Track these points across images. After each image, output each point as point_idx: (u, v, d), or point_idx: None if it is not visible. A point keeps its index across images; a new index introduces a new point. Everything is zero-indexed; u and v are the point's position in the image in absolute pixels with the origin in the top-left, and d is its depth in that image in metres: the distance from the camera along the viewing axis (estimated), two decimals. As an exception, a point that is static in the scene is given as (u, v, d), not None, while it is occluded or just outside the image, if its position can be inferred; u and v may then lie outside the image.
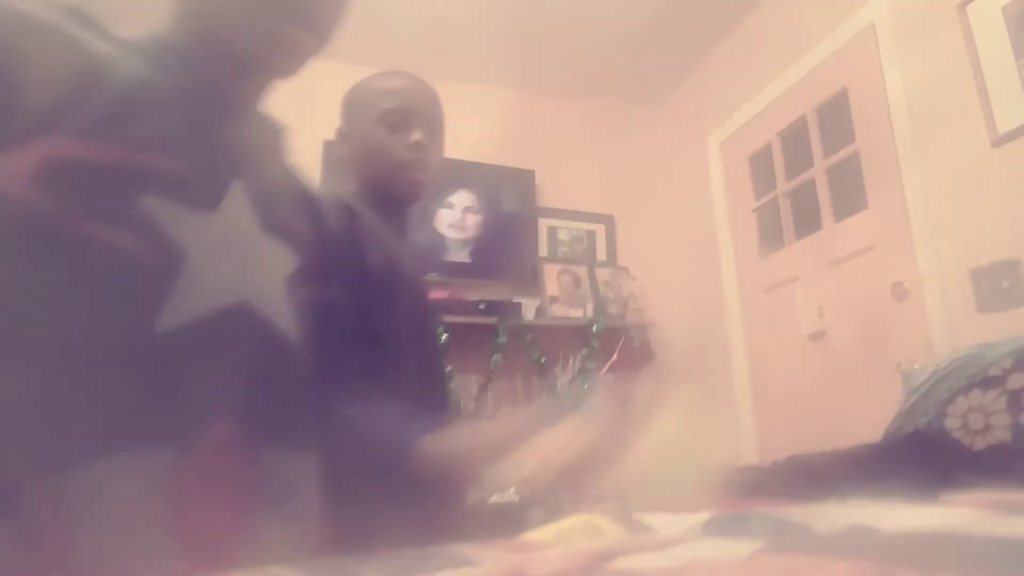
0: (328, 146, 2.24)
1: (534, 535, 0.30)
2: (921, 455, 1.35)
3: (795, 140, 2.61)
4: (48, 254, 0.49)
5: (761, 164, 2.78)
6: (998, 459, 1.26)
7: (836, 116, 2.42)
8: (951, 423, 1.35)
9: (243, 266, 0.59)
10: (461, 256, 2.87)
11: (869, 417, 1.66)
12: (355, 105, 1.14)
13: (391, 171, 1.07)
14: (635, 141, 3.40)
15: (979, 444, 1.30)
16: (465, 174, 2.83)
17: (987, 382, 1.32)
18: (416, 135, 1.07)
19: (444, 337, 2.55)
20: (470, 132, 2.75)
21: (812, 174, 2.49)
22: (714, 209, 2.99)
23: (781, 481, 1.59)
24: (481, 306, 2.60)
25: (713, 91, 3.06)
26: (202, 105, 0.62)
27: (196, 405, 0.53)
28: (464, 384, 2.66)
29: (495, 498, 2.38)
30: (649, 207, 3.33)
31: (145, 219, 0.52)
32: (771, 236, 2.74)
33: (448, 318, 2.53)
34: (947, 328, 1.89)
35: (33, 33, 0.51)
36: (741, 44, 2.91)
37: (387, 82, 1.12)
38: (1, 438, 0.46)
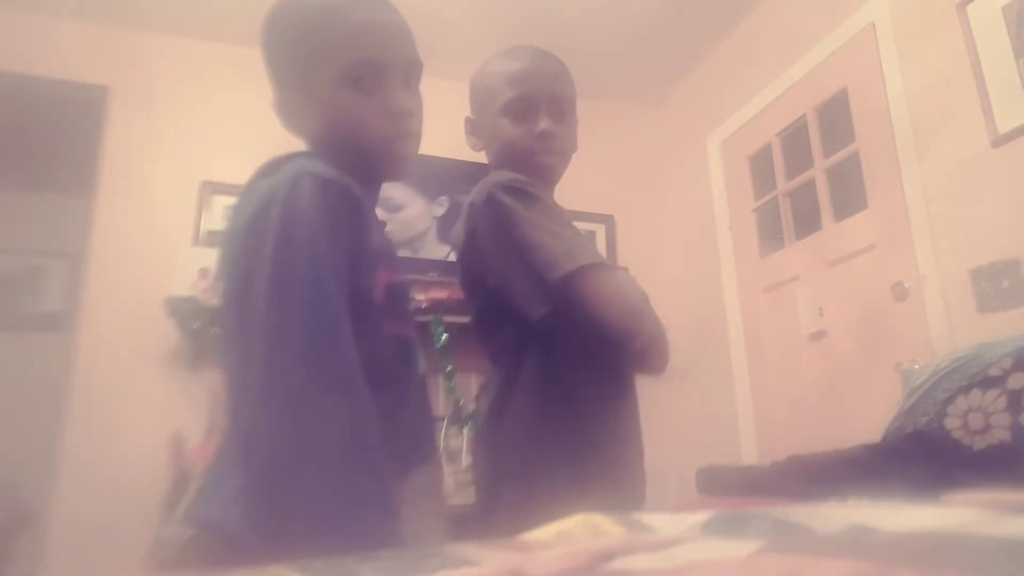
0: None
1: (534, 535, 0.30)
2: (921, 455, 1.35)
3: (795, 140, 2.61)
4: (382, 337, 0.76)
5: (761, 164, 2.78)
6: (998, 459, 1.26)
7: (836, 116, 2.42)
8: (951, 423, 1.35)
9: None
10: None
11: (869, 417, 1.66)
12: (479, 94, 1.09)
13: (521, 162, 1.03)
14: (635, 141, 3.40)
15: (979, 444, 1.30)
16: (463, 173, 2.83)
17: (987, 382, 1.32)
18: (542, 123, 1.02)
19: (444, 337, 2.55)
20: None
21: (812, 174, 2.49)
22: (714, 209, 2.99)
23: (781, 481, 1.59)
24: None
25: (713, 91, 3.06)
26: (379, 225, 0.87)
27: (433, 433, 0.88)
28: (464, 384, 2.66)
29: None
30: (649, 207, 3.33)
31: (411, 313, 0.84)
32: (771, 236, 2.74)
33: (448, 318, 2.52)
34: (947, 328, 1.89)
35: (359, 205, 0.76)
36: (741, 44, 2.91)
37: (507, 66, 1.06)
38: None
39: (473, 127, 1.12)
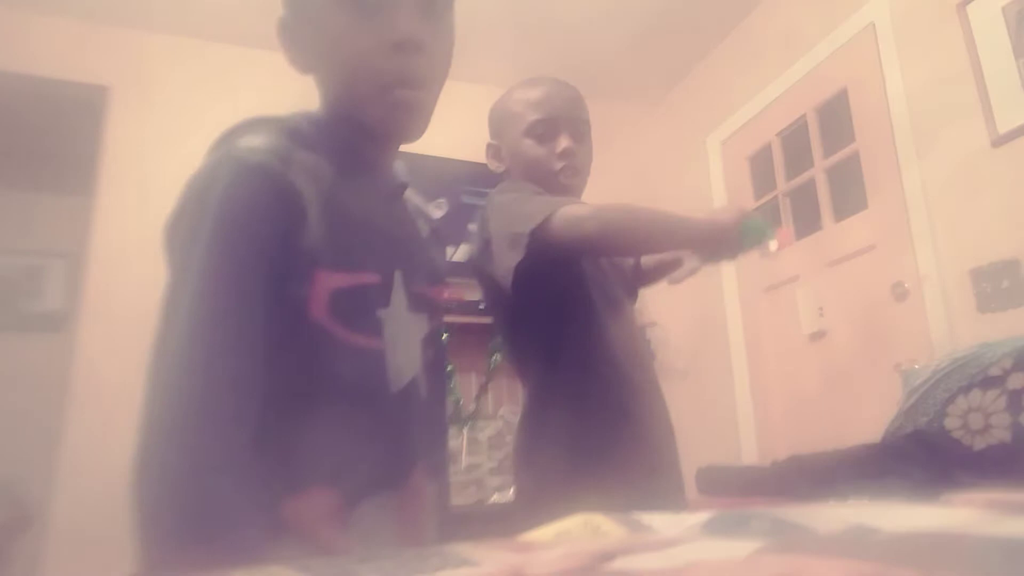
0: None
1: (534, 535, 0.30)
2: (921, 455, 1.35)
3: (795, 140, 2.61)
4: (327, 353, 0.63)
5: (761, 164, 2.78)
6: (998, 459, 1.26)
7: (836, 116, 2.42)
8: (951, 423, 1.35)
9: (407, 347, 0.71)
10: (460, 255, 2.87)
11: (869, 417, 1.66)
12: (501, 119, 1.17)
13: (544, 180, 1.10)
14: (635, 141, 3.40)
15: (979, 444, 1.30)
16: (463, 173, 2.83)
17: (987, 382, 1.32)
18: (564, 143, 1.09)
19: (444, 337, 2.55)
20: (468, 132, 2.75)
21: (812, 174, 2.49)
22: (714, 209, 2.99)
23: (781, 481, 1.59)
24: (481, 306, 2.59)
25: (713, 91, 3.06)
26: (368, 189, 0.71)
27: (406, 458, 0.69)
28: (464, 384, 2.66)
29: (495, 498, 2.38)
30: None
31: (376, 322, 0.67)
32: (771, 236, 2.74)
33: (448, 318, 2.52)
34: (947, 328, 1.89)
35: (276, 189, 0.62)
36: (741, 44, 2.91)
37: (529, 93, 1.13)
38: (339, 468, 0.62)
39: (496, 151, 1.18)
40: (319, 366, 0.63)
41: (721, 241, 0.97)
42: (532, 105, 1.12)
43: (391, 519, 0.65)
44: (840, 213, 2.38)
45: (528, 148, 1.11)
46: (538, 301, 1.02)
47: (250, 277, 0.59)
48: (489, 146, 1.19)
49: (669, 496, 1.06)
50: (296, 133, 0.66)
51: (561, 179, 1.10)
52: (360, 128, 0.70)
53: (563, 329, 1.05)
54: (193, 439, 0.55)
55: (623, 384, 1.06)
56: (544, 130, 1.10)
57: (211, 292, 0.57)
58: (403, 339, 0.70)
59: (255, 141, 0.63)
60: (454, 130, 2.21)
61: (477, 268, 1.12)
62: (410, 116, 0.69)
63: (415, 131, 0.71)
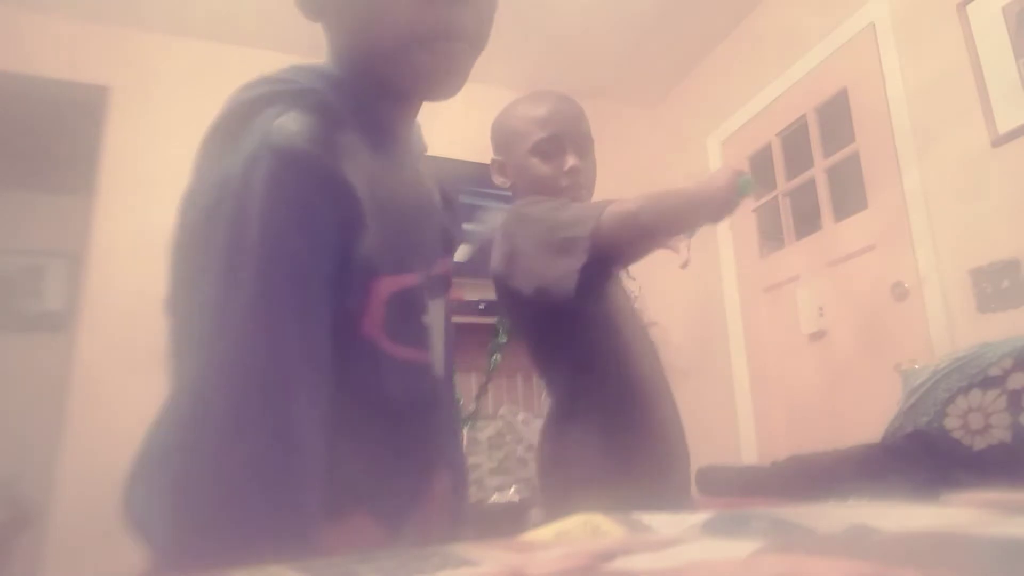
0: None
1: (534, 535, 0.30)
2: (921, 455, 1.35)
3: (795, 140, 2.61)
4: (376, 372, 0.56)
5: (761, 164, 2.78)
6: (998, 459, 1.26)
7: (836, 116, 2.42)
8: (951, 423, 1.35)
9: (437, 343, 0.63)
10: (460, 256, 2.87)
11: (869, 417, 1.66)
12: (506, 136, 1.17)
13: (550, 195, 1.11)
14: (635, 141, 3.40)
15: (979, 444, 1.30)
16: (462, 173, 2.83)
17: (987, 382, 1.32)
18: (570, 161, 1.10)
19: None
20: (468, 131, 2.75)
21: (812, 174, 2.49)
22: (714, 209, 2.99)
23: (781, 481, 1.60)
24: (481, 306, 2.60)
25: (713, 91, 3.06)
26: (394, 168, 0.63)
27: (432, 464, 0.62)
28: (464, 384, 2.66)
29: (495, 498, 2.38)
30: (649, 207, 3.33)
31: (422, 329, 0.59)
32: (771, 236, 2.74)
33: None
34: (947, 328, 1.89)
35: (334, 192, 0.52)
36: (741, 44, 2.91)
37: (534, 110, 1.14)
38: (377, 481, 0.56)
39: (501, 167, 1.19)
40: (367, 388, 0.55)
41: (724, 202, 1.01)
42: (537, 123, 1.12)
43: (414, 526, 0.60)
44: (840, 213, 2.38)
45: (534, 166, 1.11)
46: (568, 306, 1.02)
47: (313, 293, 0.51)
48: (494, 162, 1.20)
49: (680, 495, 1.09)
50: (326, 107, 0.56)
51: (567, 196, 1.11)
52: (386, 88, 0.60)
53: (589, 333, 1.07)
54: (277, 475, 0.48)
55: (643, 384, 1.08)
56: (549, 148, 1.10)
57: (276, 312, 0.49)
58: (436, 337, 0.63)
59: (291, 125, 0.52)
60: (452, 129, 2.21)
61: (497, 279, 1.13)
62: (446, 70, 0.59)
63: (450, 88, 0.61)
